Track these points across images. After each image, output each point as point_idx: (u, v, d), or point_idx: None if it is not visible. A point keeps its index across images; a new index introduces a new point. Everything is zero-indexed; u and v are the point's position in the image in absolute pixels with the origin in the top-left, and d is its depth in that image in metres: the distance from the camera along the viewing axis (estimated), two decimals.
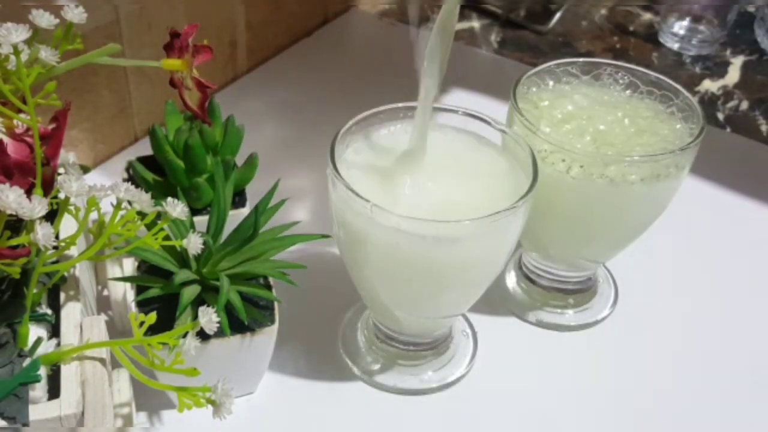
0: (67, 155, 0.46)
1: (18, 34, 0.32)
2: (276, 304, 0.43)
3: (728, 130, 0.74)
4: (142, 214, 0.35)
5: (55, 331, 0.36)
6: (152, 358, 0.33)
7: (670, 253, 0.59)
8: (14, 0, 0.46)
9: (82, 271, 0.42)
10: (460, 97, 0.74)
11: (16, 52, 0.32)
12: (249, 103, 0.72)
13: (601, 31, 0.90)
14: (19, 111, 0.34)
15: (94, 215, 0.34)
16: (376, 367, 0.48)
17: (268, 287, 0.43)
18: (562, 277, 0.53)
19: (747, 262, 0.59)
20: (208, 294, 0.41)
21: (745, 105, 0.78)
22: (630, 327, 0.53)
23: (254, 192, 0.49)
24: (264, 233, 0.44)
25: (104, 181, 0.34)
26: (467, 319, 0.52)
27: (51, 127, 0.35)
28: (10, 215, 0.30)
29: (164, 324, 0.40)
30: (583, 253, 0.51)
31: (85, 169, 0.46)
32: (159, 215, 0.35)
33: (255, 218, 0.42)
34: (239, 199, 0.50)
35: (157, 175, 0.49)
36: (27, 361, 0.34)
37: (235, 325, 0.41)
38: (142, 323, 0.33)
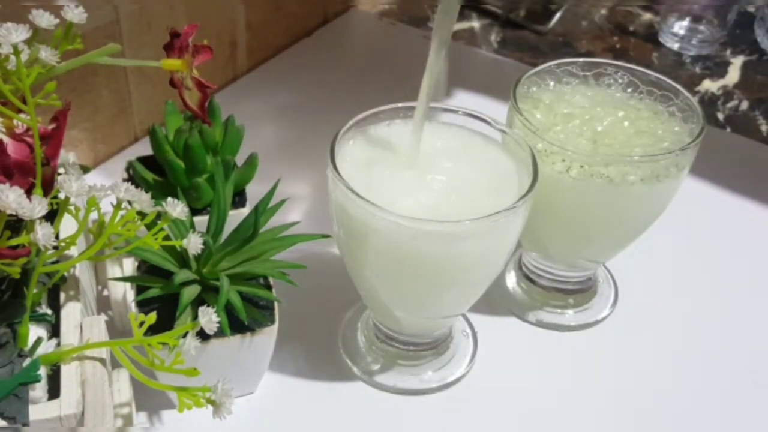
0: (67, 155, 0.46)
1: (18, 34, 0.32)
2: (276, 304, 0.43)
3: (728, 130, 0.74)
4: (142, 214, 0.35)
5: (55, 331, 0.36)
6: (152, 358, 0.33)
7: (670, 253, 0.59)
8: (14, 0, 0.46)
9: (82, 271, 0.42)
10: (460, 97, 0.74)
11: (16, 52, 0.32)
12: (249, 103, 0.72)
13: (601, 31, 0.90)
14: (19, 111, 0.34)
15: (94, 215, 0.34)
16: (376, 367, 0.48)
17: (268, 287, 0.43)
18: (562, 277, 0.53)
19: (747, 262, 0.59)
20: (208, 294, 0.41)
21: (745, 105, 0.78)
22: (630, 327, 0.53)
23: (254, 192, 0.49)
24: (264, 233, 0.44)
25: (104, 181, 0.34)
26: (467, 319, 0.52)
27: (51, 127, 0.35)
28: (10, 215, 0.30)
29: (164, 324, 0.40)
30: (583, 253, 0.51)
31: (85, 169, 0.46)
32: (159, 215, 0.35)
33: (255, 218, 0.42)
34: (239, 199, 0.50)
35: (157, 175, 0.49)
36: (27, 361, 0.34)
37: (235, 325, 0.41)
38: (142, 323, 0.33)
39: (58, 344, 0.35)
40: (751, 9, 0.93)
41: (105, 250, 0.36)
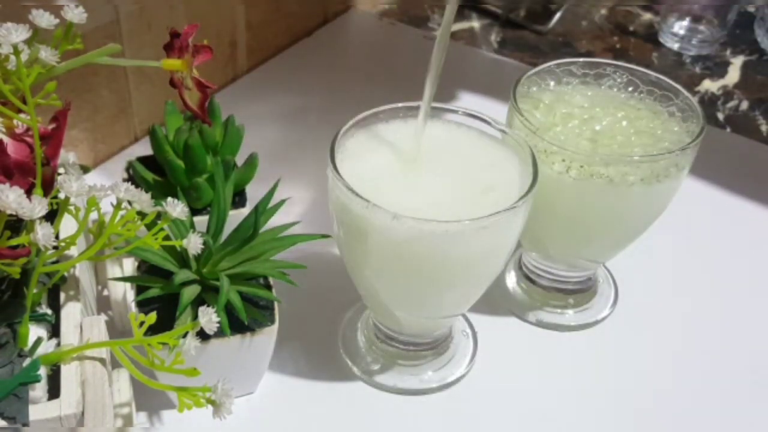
0: (67, 155, 0.46)
1: (18, 34, 0.32)
2: (276, 304, 0.43)
3: (728, 130, 0.74)
4: (142, 214, 0.35)
5: (55, 331, 0.36)
6: (152, 358, 0.33)
7: (670, 253, 0.59)
8: (14, 0, 0.46)
9: (82, 271, 0.42)
10: (460, 97, 0.74)
11: (16, 52, 0.32)
12: (249, 103, 0.72)
13: (601, 31, 0.90)
14: (19, 111, 0.34)
15: (94, 215, 0.34)
16: (376, 367, 0.48)
17: (268, 287, 0.43)
18: (562, 277, 0.53)
19: (747, 262, 0.59)
20: (208, 294, 0.41)
21: (745, 105, 0.78)
22: (630, 327, 0.53)
23: (254, 192, 0.49)
24: (264, 233, 0.44)
25: (104, 181, 0.34)
26: (467, 319, 0.52)
27: (51, 127, 0.35)
28: (10, 215, 0.30)
29: (164, 324, 0.40)
30: (583, 253, 0.51)
31: (85, 169, 0.46)
32: (159, 215, 0.35)
33: (255, 218, 0.42)
34: (239, 199, 0.50)
35: (157, 175, 0.49)
36: (27, 361, 0.34)
37: (235, 325, 0.41)
38: (142, 323, 0.33)
39: (58, 344, 0.35)
40: (751, 9, 0.93)
41: (105, 250, 0.36)
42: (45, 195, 0.34)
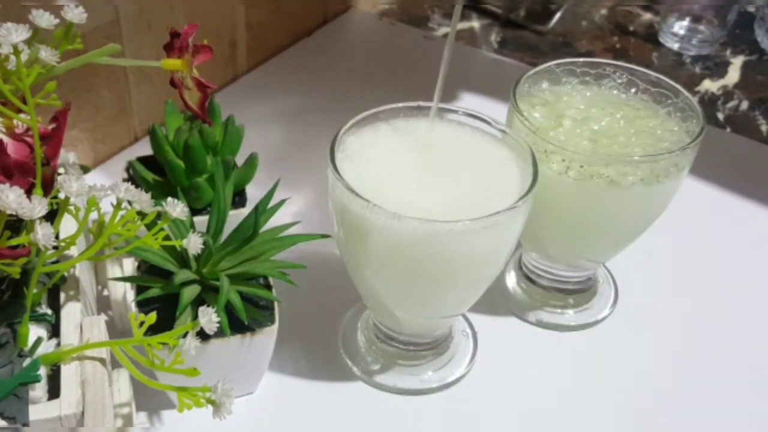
0: (67, 155, 0.46)
1: (18, 34, 0.32)
2: (276, 304, 0.43)
3: (728, 130, 0.74)
4: (142, 214, 0.35)
5: (55, 331, 0.36)
6: (152, 358, 0.33)
7: (670, 253, 0.59)
8: (14, 0, 0.46)
9: (82, 271, 0.42)
10: (460, 97, 0.74)
11: (16, 52, 0.32)
12: (249, 103, 0.72)
13: (601, 31, 0.90)
14: (19, 111, 0.34)
15: (94, 215, 0.34)
16: (376, 367, 0.48)
17: (268, 287, 0.43)
18: (562, 277, 0.53)
19: (747, 262, 0.59)
20: (208, 294, 0.41)
21: (745, 105, 0.78)
22: (630, 327, 0.53)
23: (254, 192, 0.49)
24: (264, 233, 0.44)
25: (104, 181, 0.34)
26: (467, 319, 0.52)
27: (51, 127, 0.35)
28: (10, 215, 0.30)
29: (164, 324, 0.40)
30: (583, 253, 0.51)
31: (85, 169, 0.46)
32: (159, 215, 0.35)
33: (255, 218, 0.42)
34: (239, 199, 0.50)
35: (157, 175, 0.49)
36: (27, 361, 0.34)
37: (235, 325, 0.41)
38: (142, 323, 0.33)
39: (58, 344, 0.35)
40: (751, 9, 0.93)
41: (105, 250, 0.36)
42: (45, 195, 0.34)
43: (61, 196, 0.33)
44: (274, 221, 0.44)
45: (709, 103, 0.77)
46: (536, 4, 0.90)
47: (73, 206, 0.36)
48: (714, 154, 0.66)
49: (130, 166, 0.50)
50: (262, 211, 0.42)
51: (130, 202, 0.34)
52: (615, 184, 0.43)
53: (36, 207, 0.30)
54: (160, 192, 0.48)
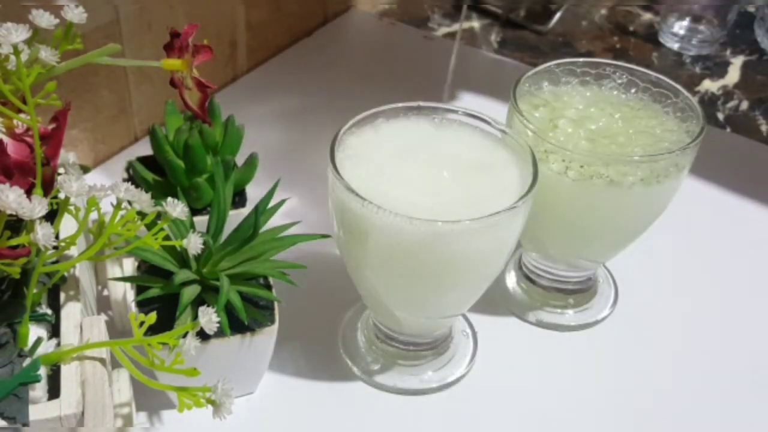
0: (67, 155, 0.46)
1: (18, 34, 0.32)
2: (276, 304, 0.43)
3: (728, 130, 0.74)
4: (142, 214, 0.35)
5: (55, 331, 0.36)
6: (152, 358, 0.33)
7: (670, 253, 0.59)
8: (14, 0, 0.46)
9: (82, 271, 0.42)
10: (460, 97, 0.74)
11: (16, 52, 0.32)
12: (249, 103, 0.72)
13: (601, 31, 0.90)
14: (19, 111, 0.34)
15: (94, 215, 0.34)
16: (376, 367, 0.48)
17: (268, 287, 0.43)
18: (562, 277, 0.53)
19: (747, 262, 0.59)
20: (208, 294, 0.41)
21: (745, 105, 0.78)
22: (630, 327, 0.53)
23: (254, 192, 0.49)
24: (264, 233, 0.44)
25: (104, 181, 0.34)
26: (467, 319, 0.52)
27: (51, 127, 0.35)
28: (10, 215, 0.30)
29: (164, 324, 0.40)
30: (583, 253, 0.51)
31: (85, 169, 0.46)
32: (159, 215, 0.35)
33: (255, 218, 0.42)
34: (239, 199, 0.50)
35: (157, 175, 0.49)
36: (27, 361, 0.34)
37: (235, 325, 0.41)
38: (142, 323, 0.33)
39: (58, 344, 0.35)
40: (751, 9, 0.93)
41: (105, 250, 0.36)
42: (45, 195, 0.34)
43: (61, 196, 0.33)
44: (274, 221, 0.44)
45: (709, 103, 0.77)
46: (536, 4, 0.90)
47: (73, 206, 0.36)
48: (714, 154, 0.66)
49: (130, 166, 0.50)
50: (262, 211, 0.42)
51: (130, 202, 0.34)
52: (615, 185, 0.43)
53: (36, 207, 0.30)
54: (160, 192, 0.48)
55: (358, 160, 0.42)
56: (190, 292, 0.40)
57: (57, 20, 0.35)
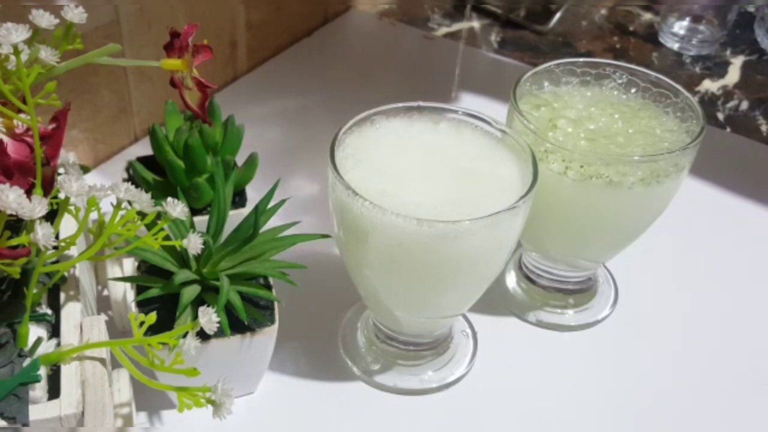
0: (67, 155, 0.46)
1: (18, 34, 0.32)
2: (276, 304, 0.43)
3: (728, 130, 0.74)
4: (142, 214, 0.35)
5: (55, 331, 0.36)
6: (152, 358, 0.33)
7: (670, 253, 0.59)
8: (14, 0, 0.46)
9: (82, 271, 0.42)
10: (460, 97, 0.74)
11: (16, 52, 0.32)
12: (249, 102, 0.72)
13: (601, 31, 0.90)
14: (19, 111, 0.34)
15: (94, 215, 0.34)
16: (376, 367, 0.48)
17: (268, 287, 0.43)
18: (562, 277, 0.53)
19: (747, 262, 0.59)
20: (208, 294, 0.41)
21: (745, 105, 0.78)
22: (630, 327, 0.53)
23: (254, 192, 0.49)
24: (264, 233, 0.44)
25: (104, 181, 0.34)
26: (467, 319, 0.52)
27: (51, 127, 0.35)
28: (10, 215, 0.30)
29: (164, 324, 0.40)
30: (583, 253, 0.51)
31: (85, 169, 0.46)
32: (159, 215, 0.35)
33: (255, 218, 0.42)
34: (239, 199, 0.50)
35: (157, 175, 0.49)
36: (27, 361, 0.34)
37: (235, 325, 0.41)
38: (142, 323, 0.33)
39: (58, 344, 0.35)
40: (751, 9, 0.93)
41: (105, 250, 0.36)
42: (45, 195, 0.34)
43: (61, 196, 0.33)
44: (274, 221, 0.44)
45: (709, 103, 0.78)
46: (536, 4, 0.90)
47: (73, 206, 0.36)
48: (714, 154, 0.66)
49: (130, 166, 0.50)
50: (262, 211, 0.42)
51: (130, 202, 0.34)
52: (615, 185, 0.43)
53: (36, 207, 0.30)
54: (160, 192, 0.48)
55: (358, 160, 0.42)
56: (190, 292, 0.40)
57: (57, 20, 0.35)
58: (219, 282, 0.39)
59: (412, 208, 0.38)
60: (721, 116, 0.76)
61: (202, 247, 0.37)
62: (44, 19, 0.34)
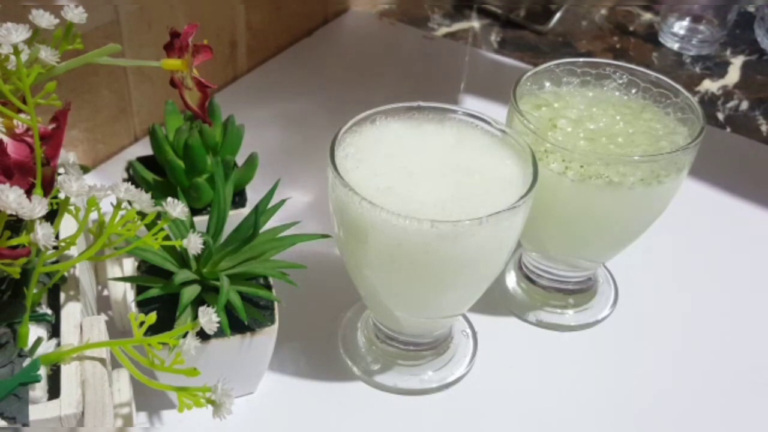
0: (67, 155, 0.46)
1: (18, 34, 0.32)
2: (276, 304, 0.43)
3: (728, 130, 0.74)
4: (142, 214, 0.35)
5: (55, 331, 0.36)
6: (152, 358, 0.33)
7: (670, 253, 0.59)
8: (14, 0, 0.46)
9: (82, 271, 0.42)
10: (460, 97, 0.74)
11: (16, 52, 0.32)
12: (249, 102, 0.72)
13: (601, 31, 0.90)
14: (19, 111, 0.34)
15: (94, 215, 0.34)
16: (376, 367, 0.48)
17: (268, 287, 0.43)
18: (562, 277, 0.53)
19: (747, 262, 0.59)
20: (208, 294, 0.41)
21: (745, 105, 0.78)
22: (630, 327, 0.53)
23: (254, 192, 0.49)
24: (264, 233, 0.44)
25: (104, 181, 0.34)
26: (467, 319, 0.52)
27: (51, 127, 0.35)
28: (10, 215, 0.30)
29: (164, 324, 0.40)
30: (583, 253, 0.51)
31: (85, 169, 0.46)
32: (159, 215, 0.35)
33: (255, 218, 0.42)
34: (239, 199, 0.50)
35: (157, 175, 0.49)
36: (27, 361, 0.34)
37: (235, 325, 0.41)
38: (142, 323, 0.33)
39: (58, 344, 0.35)
40: (751, 9, 0.93)
41: (105, 250, 0.36)
42: (45, 195, 0.34)
43: (61, 196, 0.33)
44: (274, 221, 0.44)
45: (709, 103, 0.78)
46: (536, 4, 0.90)
47: (73, 206, 0.36)
48: (714, 154, 0.66)
49: (130, 166, 0.50)
50: (262, 211, 0.42)
51: (130, 202, 0.34)
52: (614, 185, 0.43)
53: (36, 207, 0.30)
54: (160, 192, 0.48)
55: (358, 159, 0.42)
56: (190, 292, 0.40)
57: (57, 20, 0.35)
58: (219, 282, 0.39)
59: (412, 208, 0.38)
60: (721, 116, 0.76)
61: (202, 247, 0.37)
62: (44, 19, 0.34)
